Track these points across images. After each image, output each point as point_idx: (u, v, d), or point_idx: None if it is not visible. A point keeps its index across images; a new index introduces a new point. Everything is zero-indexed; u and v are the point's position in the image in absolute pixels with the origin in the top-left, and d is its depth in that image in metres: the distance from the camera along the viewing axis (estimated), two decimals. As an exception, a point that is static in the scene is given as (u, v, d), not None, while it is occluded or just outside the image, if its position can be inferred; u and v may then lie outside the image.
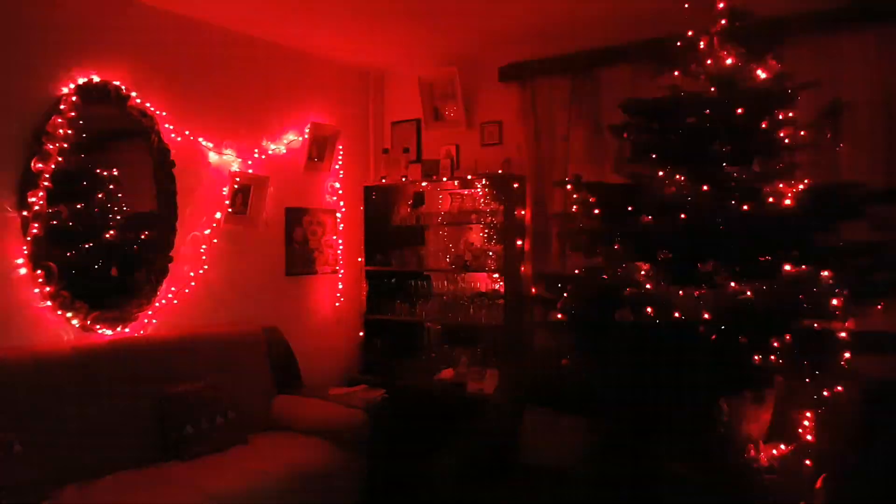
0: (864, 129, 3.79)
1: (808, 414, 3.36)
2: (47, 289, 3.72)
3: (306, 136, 5.19)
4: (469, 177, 5.05)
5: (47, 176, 3.70)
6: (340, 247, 5.54)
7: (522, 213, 4.94)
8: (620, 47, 4.47)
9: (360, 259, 5.55)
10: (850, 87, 3.80)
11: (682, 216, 2.87)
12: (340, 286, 5.53)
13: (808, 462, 3.44)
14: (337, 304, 5.50)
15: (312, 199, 5.35)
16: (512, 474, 3.76)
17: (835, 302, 2.83)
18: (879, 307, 2.95)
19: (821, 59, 3.88)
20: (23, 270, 3.66)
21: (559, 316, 3.30)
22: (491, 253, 4.92)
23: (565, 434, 3.79)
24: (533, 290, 4.69)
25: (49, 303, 3.75)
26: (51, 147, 3.71)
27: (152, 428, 3.77)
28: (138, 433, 3.72)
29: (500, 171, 4.95)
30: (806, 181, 3.12)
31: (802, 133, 3.21)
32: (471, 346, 5.06)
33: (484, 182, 4.99)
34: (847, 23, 3.81)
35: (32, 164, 3.65)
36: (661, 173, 3.25)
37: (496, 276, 4.93)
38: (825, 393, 3.23)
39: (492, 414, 4.19)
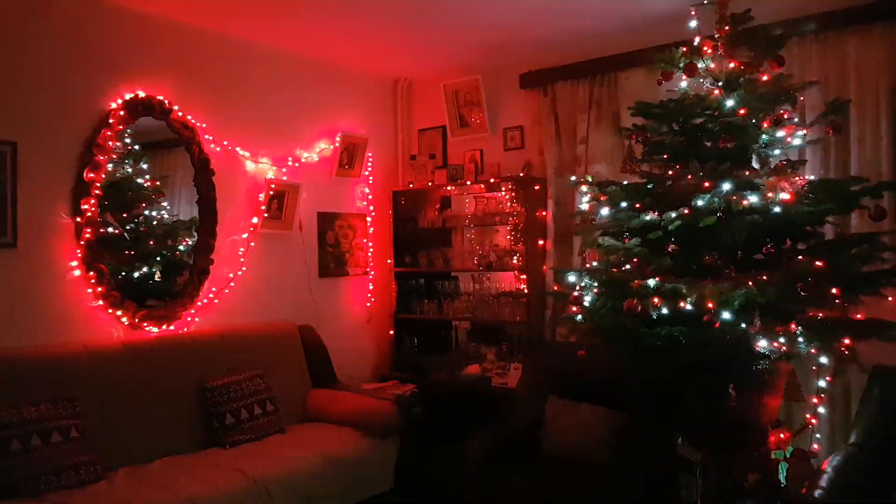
0: (871, 127, 3.86)
1: (815, 399, 3.51)
2: (99, 289, 3.97)
3: (337, 144, 5.41)
4: (493, 180, 5.23)
5: (98, 185, 3.97)
6: (371, 249, 5.74)
7: (544, 213, 5.10)
8: (636, 52, 4.62)
9: (389, 261, 5.73)
10: (857, 85, 3.89)
11: (686, 211, 3.03)
12: (371, 287, 5.73)
13: (815, 445, 3.59)
14: (368, 303, 5.71)
15: (343, 204, 5.58)
16: (535, 461, 3.92)
17: (834, 291, 2.97)
18: (876, 296, 3.07)
19: (827, 58, 3.98)
20: (77, 272, 3.92)
21: (574, 309, 3.47)
22: (515, 253, 5.10)
23: (585, 423, 3.95)
24: (554, 286, 4.86)
25: (101, 302, 4.00)
26: (101, 158, 3.98)
27: (196, 417, 4.01)
28: (183, 422, 3.97)
29: (522, 174, 5.13)
30: (806, 177, 3.27)
31: (804, 131, 3.36)
32: (496, 343, 5.22)
33: (507, 185, 5.18)
34: (853, 22, 3.89)
35: (85, 174, 3.92)
36: (668, 171, 3.43)
37: (520, 275, 5.11)
38: (829, 379, 3.36)
39: (516, 405, 4.38)
